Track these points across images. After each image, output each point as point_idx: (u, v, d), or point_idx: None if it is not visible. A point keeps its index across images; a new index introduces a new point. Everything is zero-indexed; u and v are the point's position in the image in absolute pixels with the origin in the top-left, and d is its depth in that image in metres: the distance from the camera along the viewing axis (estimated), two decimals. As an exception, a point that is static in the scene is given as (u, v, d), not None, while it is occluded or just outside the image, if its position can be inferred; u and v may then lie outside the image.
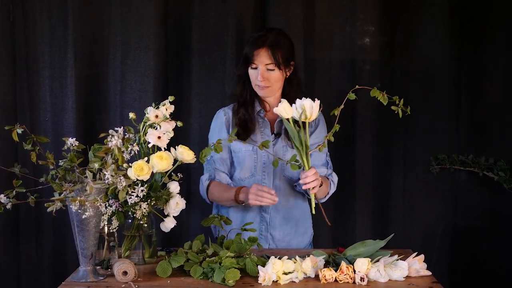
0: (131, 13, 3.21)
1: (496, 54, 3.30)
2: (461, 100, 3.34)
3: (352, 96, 2.35)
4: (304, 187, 2.45)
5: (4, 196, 2.05)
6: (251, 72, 2.72)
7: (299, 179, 2.77)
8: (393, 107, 2.39)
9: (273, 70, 2.68)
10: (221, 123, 2.81)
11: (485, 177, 3.31)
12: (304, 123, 2.38)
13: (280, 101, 2.38)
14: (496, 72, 3.30)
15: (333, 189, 2.78)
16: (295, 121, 2.40)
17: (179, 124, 2.38)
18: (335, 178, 2.80)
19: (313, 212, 2.48)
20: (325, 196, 2.77)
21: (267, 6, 3.27)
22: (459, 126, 3.35)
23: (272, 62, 2.67)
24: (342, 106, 2.36)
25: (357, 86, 2.36)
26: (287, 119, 2.39)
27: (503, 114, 3.31)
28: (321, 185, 2.59)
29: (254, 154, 2.78)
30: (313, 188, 2.45)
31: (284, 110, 2.36)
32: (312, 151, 2.45)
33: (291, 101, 2.50)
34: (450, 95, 3.33)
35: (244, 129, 2.76)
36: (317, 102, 2.35)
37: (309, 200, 2.61)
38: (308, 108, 2.33)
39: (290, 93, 2.75)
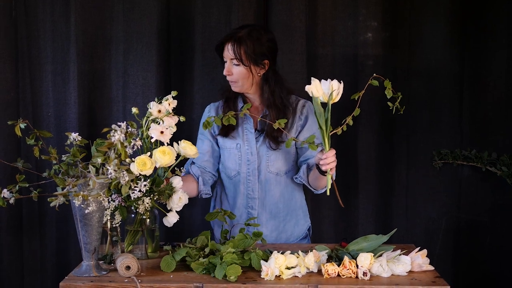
0: (134, 9, 3.20)
1: (499, 49, 3.29)
2: (463, 95, 3.34)
3: (375, 82, 2.34)
4: (323, 168, 2.43)
5: (7, 191, 2.05)
6: (225, 65, 2.76)
7: (286, 172, 2.79)
8: (389, 103, 2.39)
9: (238, 65, 2.71)
10: (204, 119, 2.81)
11: (488, 172, 3.31)
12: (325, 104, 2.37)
13: (261, 98, 2.36)
14: (499, 67, 3.30)
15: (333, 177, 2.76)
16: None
17: (182, 119, 2.38)
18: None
19: (328, 193, 2.47)
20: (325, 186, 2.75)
21: (270, 2, 3.26)
22: (461, 121, 3.35)
23: (234, 57, 2.69)
24: (363, 91, 2.35)
25: (374, 74, 2.35)
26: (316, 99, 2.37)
27: (506, 109, 3.31)
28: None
29: (238, 151, 2.79)
30: (331, 169, 2.44)
31: (316, 88, 2.34)
32: (333, 131, 2.39)
33: (270, 100, 2.65)
34: (453, 90, 3.33)
35: (226, 126, 2.77)
36: (341, 84, 2.34)
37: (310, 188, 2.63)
38: (336, 89, 2.33)
39: (266, 92, 2.75)
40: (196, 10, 3.25)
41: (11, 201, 2.05)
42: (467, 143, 3.34)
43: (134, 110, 2.44)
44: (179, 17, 3.26)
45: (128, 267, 2.14)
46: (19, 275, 3.30)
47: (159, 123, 2.33)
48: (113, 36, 3.23)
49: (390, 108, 2.40)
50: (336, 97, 2.34)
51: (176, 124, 2.37)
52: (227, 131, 2.80)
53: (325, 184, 2.57)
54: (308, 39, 3.27)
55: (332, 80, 2.32)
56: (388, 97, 2.36)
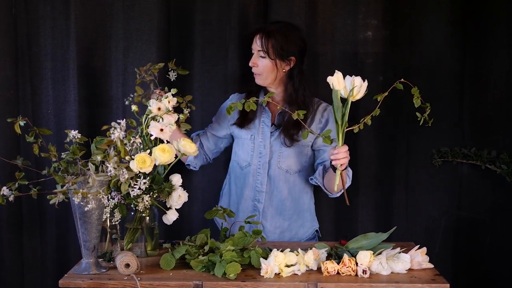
0: (134, 6, 3.20)
1: (499, 48, 3.28)
2: (463, 93, 3.33)
3: (399, 86, 2.34)
4: (334, 163, 2.44)
5: (7, 188, 2.05)
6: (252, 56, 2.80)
7: (297, 171, 2.79)
8: (417, 113, 2.38)
9: (264, 57, 2.74)
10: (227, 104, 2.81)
11: (488, 170, 3.30)
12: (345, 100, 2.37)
13: (284, 95, 2.37)
14: (499, 65, 3.29)
15: (348, 182, 2.76)
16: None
17: (182, 117, 2.38)
18: (350, 172, 2.76)
19: (336, 189, 2.47)
20: (340, 190, 2.70)
21: (270, -1, 3.26)
22: (461, 119, 3.34)
23: (261, 49, 2.72)
24: (386, 93, 2.35)
25: (402, 80, 2.35)
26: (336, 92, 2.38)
27: (506, 107, 3.30)
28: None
29: (251, 143, 2.81)
30: (341, 165, 2.44)
31: (337, 80, 2.34)
32: (350, 129, 2.39)
33: (292, 96, 2.66)
34: (453, 89, 3.32)
35: (243, 117, 2.83)
36: (365, 83, 2.34)
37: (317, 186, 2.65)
38: (358, 85, 2.32)
39: (289, 89, 2.77)
40: (196, 8, 3.25)
41: (11, 198, 2.05)
42: (467, 142, 3.33)
43: (134, 107, 2.44)
44: (179, 15, 3.26)
45: (127, 265, 2.15)
46: (19, 273, 3.30)
47: (158, 121, 2.33)
48: (113, 33, 3.22)
49: (418, 119, 2.40)
50: (357, 95, 2.34)
51: (175, 122, 2.37)
52: (243, 121, 2.84)
53: (340, 188, 2.57)
54: (308, 37, 3.26)
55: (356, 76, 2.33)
56: (416, 106, 2.36)
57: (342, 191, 2.62)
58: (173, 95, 2.42)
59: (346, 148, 2.44)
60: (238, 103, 2.33)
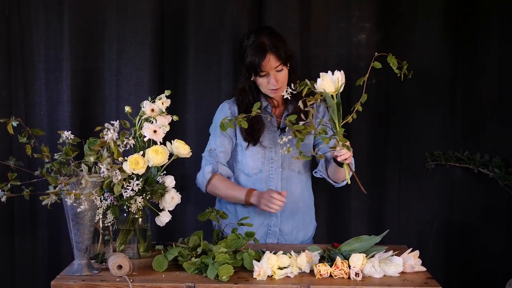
0: (127, 8, 3.20)
1: (491, 51, 3.30)
2: (456, 97, 3.34)
3: (377, 64, 2.32)
4: (339, 159, 2.43)
5: (-1, 189, 2.05)
6: (260, 80, 2.74)
7: (307, 171, 2.86)
8: (396, 70, 2.37)
9: (281, 70, 2.71)
10: (226, 116, 2.76)
11: (480, 173, 3.31)
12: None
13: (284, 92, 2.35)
14: (491, 69, 3.30)
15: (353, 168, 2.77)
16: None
17: (175, 118, 2.38)
18: (352, 159, 2.77)
19: (349, 182, 2.46)
20: (343, 180, 2.78)
21: (263, 2, 3.26)
22: (454, 123, 3.35)
23: (280, 63, 2.69)
24: (367, 75, 2.33)
25: (376, 54, 2.33)
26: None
27: (498, 111, 3.31)
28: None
29: (262, 149, 2.79)
30: (345, 159, 2.44)
31: (328, 84, 2.30)
32: (344, 121, 2.35)
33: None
34: (445, 91, 3.34)
35: (251, 136, 2.79)
36: (342, 73, 2.33)
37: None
38: (341, 80, 2.31)
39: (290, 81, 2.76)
40: (190, 10, 3.25)
41: (3, 199, 2.05)
42: (459, 145, 3.35)
43: (127, 109, 2.43)
44: (172, 17, 3.26)
45: (120, 266, 2.14)
46: (10, 274, 3.29)
47: (152, 122, 2.33)
48: (107, 35, 3.22)
49: (398, 75, 2.39)
50: (340, 88, 2.33)
51: (169, 124, 2.37)
52: (253, 138, 2.79)
53: (344, 176, 2.59)
54: (302, 40, 3.27)
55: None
56: (394, 68, 2.36)
57: (346, 181, 2.62)
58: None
59: (348, 144, 2.42)
60: (243, 121, 2.29)
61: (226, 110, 2.84)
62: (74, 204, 2.06)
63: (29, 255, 3.30)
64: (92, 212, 2.14)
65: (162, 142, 2.31)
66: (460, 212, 3.39)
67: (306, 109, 2.29)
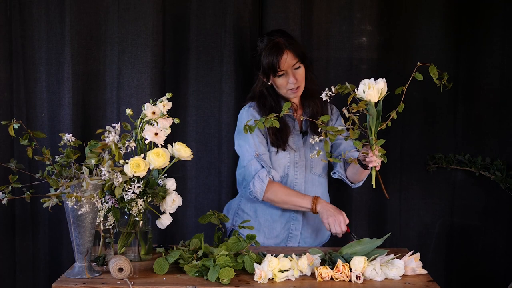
0: (129, 10, 3.19)
1: (493, 54, 3.30)
2: (457, 100, 3.34)
3: (419, 76, 2.33)
4: (371, 165, 2.40)
5: (0, 191, 2.04)
6: (279, 81, 2.73)
7: (326, 173, 2.89)
8: (436, 81, 2.37)
9: (299, 67, 2.72)
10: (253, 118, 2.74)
11: (482, 176, 3.31)
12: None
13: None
14: (493, 72, 3.30)
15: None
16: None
17: (176, 120, 2.38)
18: None
19: (374, 186, 2.45)
20: (360, 181, 2.85)
21: (265, 5, 3.26)
22: (455, 126, 3.35)
23: (297, 60, 2.70)
24: (407, 85, 2.33)
25: (418, 64, 2.33)
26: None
27: (500, 114, 3.31)
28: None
29: (287, 154, 2.78)
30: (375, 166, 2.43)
31: (374, 92, 2.28)
32: (379, 128, 2.36)
33: (308, 90, 2.71)
34: (447, 94, 3.33)
35: (281, 139, 2.76)
36: (384, 80, 2.32)
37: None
38: (385, 89, 2.31)
39: (306, 81, 2.79)
40: (191, 12, 3.25)
41: (4, 201, 2.04)
42: (461, 147, 3.35)
43: (128, 111, 2.43)
44: (174, 19, 3.26)
45: (120, 269, 2.14)
46: (11, 275, 3.29)
47: (153, 125, 2.33)
48: (108, 37, 3.21)
49: (438, 85, 2.39)
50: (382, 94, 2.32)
51: (170, 126, 2.37)
52: (284, 141, 2.77)
53: (364, 177, 2.72)
54: (303, 43, 3.27)
55: (369, 79, 2.30)
56: (435, 78, 2.35)
57: (361, 183, 2.81)
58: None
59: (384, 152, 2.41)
60: (275, 121, 2.24)
61: (252, 112, 2.78)
62: (75, 206, 2.06)
63: (29, 257, 3.30)
64: (93, 215, 2.14)
65: (163, 144, 2.32)
66: (461, 215, 3.39)
67: (348, 115, 2.26)
